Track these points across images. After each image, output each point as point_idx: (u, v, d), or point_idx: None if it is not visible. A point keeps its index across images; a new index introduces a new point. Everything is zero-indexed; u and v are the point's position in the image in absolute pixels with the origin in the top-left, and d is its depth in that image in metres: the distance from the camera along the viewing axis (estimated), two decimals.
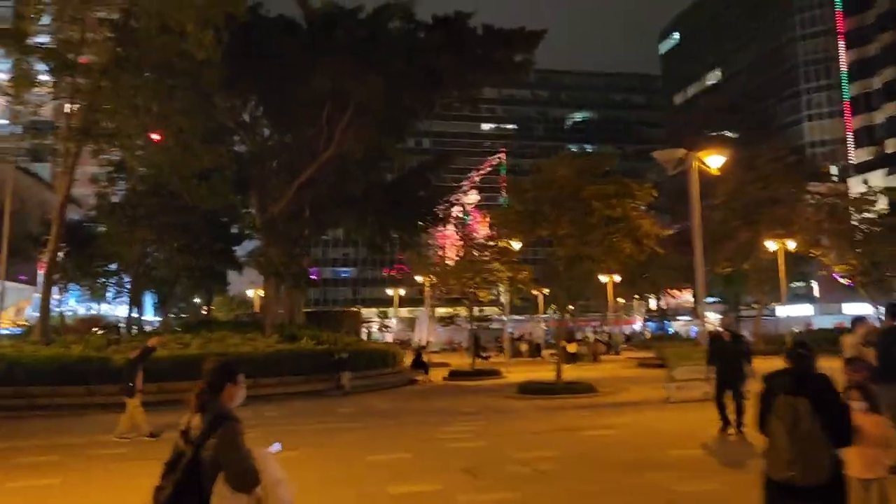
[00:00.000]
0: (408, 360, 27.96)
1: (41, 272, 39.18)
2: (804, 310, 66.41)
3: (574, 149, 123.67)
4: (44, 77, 24.05)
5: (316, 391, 20.57)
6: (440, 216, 38.65)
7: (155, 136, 24.47)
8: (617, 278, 44.04)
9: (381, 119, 29.84)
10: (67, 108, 25.07)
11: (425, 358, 27.40)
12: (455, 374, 26.68)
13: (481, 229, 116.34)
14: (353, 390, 20.91)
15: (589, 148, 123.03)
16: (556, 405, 16.65)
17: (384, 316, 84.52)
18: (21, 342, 21.29)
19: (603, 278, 43.26)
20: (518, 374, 26.52)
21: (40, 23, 24.33)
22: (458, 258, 33.22)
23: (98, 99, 22.26)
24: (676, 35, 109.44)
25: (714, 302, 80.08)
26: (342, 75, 26.87)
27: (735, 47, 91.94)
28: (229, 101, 29.87)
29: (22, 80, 21.51)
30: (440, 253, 56.17)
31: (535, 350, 42.34)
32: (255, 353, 20.12)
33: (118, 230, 23.05)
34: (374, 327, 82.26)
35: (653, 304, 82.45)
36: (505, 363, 35.45)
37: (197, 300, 56.45)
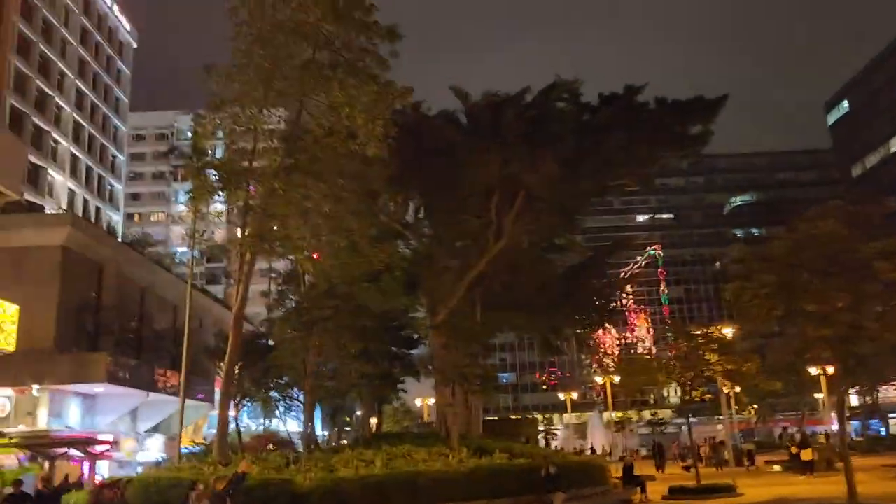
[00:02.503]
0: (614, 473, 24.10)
1: (218, 389, 39.68)
2: None
3: (739, 234, 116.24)
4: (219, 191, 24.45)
5: None
6: (617, 309, 35.27)
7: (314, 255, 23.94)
8: (830, 369, 37.78)
9: (554, 206, 27.74)
10: (236, 211, 25.30)
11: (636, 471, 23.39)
12: (676, 492, 22.35)
13: (640, 326, 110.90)
14: None
15: (756, 232, 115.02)
16: None
17: (549, 423, 79.62)
18: (200, 462, 20.07)
19: (812, 370, 37.26)
20: (756, 489, 22.30)
21: (215, 138, 25.10)
22: (648, 354, 29.58)
23: (270, 204, 21.85)
24: (846, 104, 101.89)
25: None
26: (512, 162, 25.26)
27: None
28: (394, 201, 29.06)
29: (201, 190, 21.47)
30: (607, 351, 52.48)
31: (749, 456, 36.06)
32: (450, 472, 17.63)
33: (292, 338, 21.82)
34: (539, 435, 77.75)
35: (854, 399, 71.83)
36: (720, 474, 30.31)
37: (358, 412, 55.48)
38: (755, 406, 68.38)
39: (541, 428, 77.57)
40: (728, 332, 22.57)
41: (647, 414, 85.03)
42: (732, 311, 16.74)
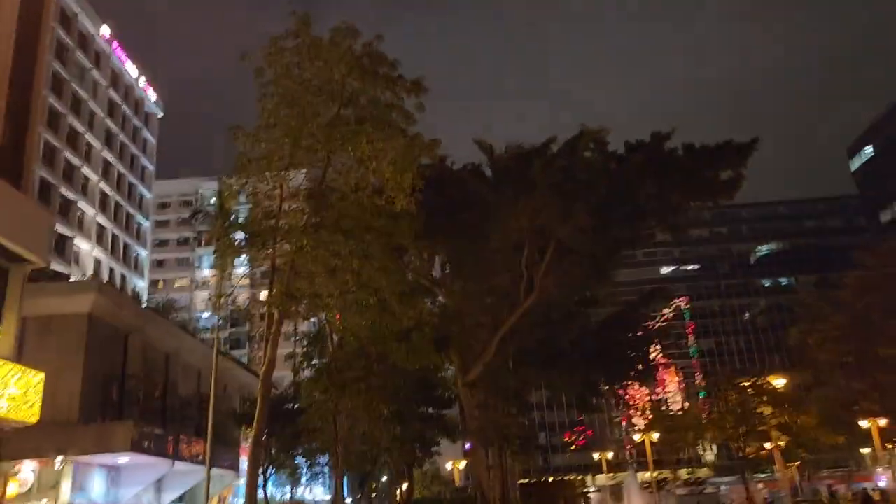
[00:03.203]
0: None
1: (244, 457, 38.51)
2: None
3: (767, 284, 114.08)
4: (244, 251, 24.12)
5: None
6: (651, 363, 34.06)
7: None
8: (882, 422, 35.93)
9: (585, 258, 27.02)
10: (259, 274, 24.85)
11: None
12: None
13: (670, 382, 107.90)
14: None
15: (784, 281, 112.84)
16: None
17: (583, 484, 77.06)
18: None
19: (864, 422, 35.43)
20: None
21: (240, 201, 24.88)
22: (684, 410, 28.21)
23: (297, 262, 21.41)
24: (869, 149, 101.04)
25: None
26: (542, 213, 24.71)
27: None
28: (420, 257, 28.54)
29: (227, 250, 21.08)
30: (642, 406, 50.59)
31: None
32: None
33: (322, 400, 20.98)
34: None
35: None
36: None
37: (384, 478, 53.62)
38: (797, 462, 65.63)
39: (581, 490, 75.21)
40: (779, 382, 21.34)
41: (683, 473, 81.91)
42: (790, 358, 15.66)
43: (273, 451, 25.05)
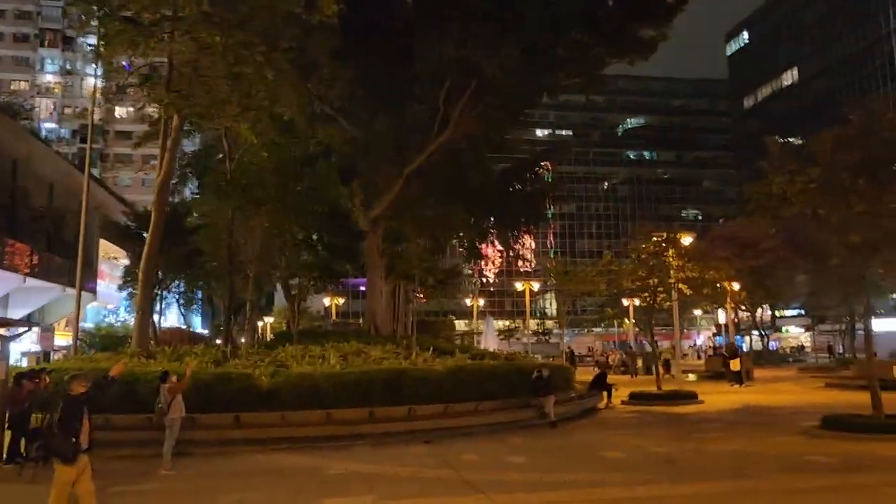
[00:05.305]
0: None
1: (102, 281, 35.72)
2: None
3: (632, 156, 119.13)
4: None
5: (513, 422, 16.36)
6: (545, 215, 34.40)
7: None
8: (736, 286, 39.18)
9: (505, 100, 25.75)
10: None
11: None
12: (639, 398, 22.03)
13: (527, 241, 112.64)
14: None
15: (647, 155, 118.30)
16: None
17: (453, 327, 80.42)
18: (118, 353, 17.46)
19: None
20: (713, 397, 22.67)
21: None
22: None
23: (202, 62, 18.48)
24: (746, 35, 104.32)
25: (798, 315, 74.96)
26: (470, 43, 22.83)
27: (815, 47, 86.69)
28: (329, 80, 25.97)
29: (115, 37, 17.67)
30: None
31: (665, 366, 36.19)
32: (434, 373, 16.08)
33: (228, 218, 18.74)
34: None
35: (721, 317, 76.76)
36: (635, 382, 30.77)
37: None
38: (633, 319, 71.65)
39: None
40: (687, 240, 21.99)
41: (532, 323, 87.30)
42: (748, 209, 15.65)
43: (160, 275, 22.84)
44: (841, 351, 54.28)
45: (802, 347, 73.57)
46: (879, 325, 56.32)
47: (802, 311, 69.23)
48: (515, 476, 10.82)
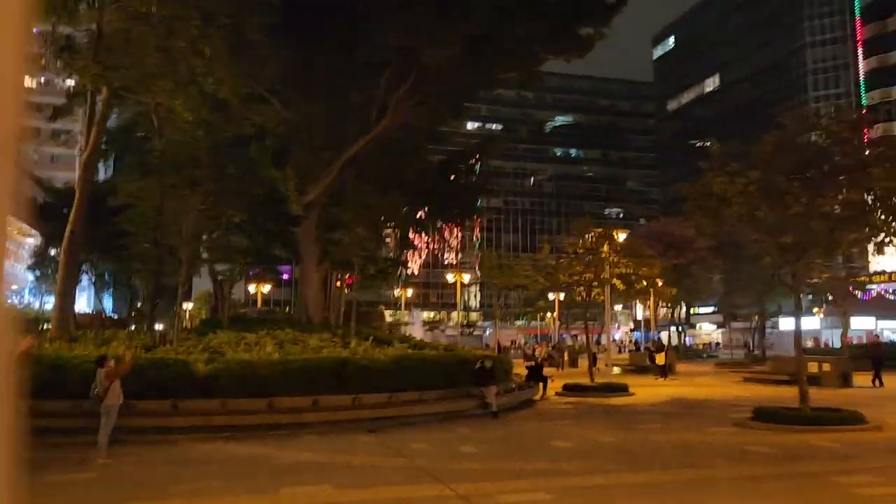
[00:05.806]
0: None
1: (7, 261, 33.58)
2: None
3: (558, 153, 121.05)
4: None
5: (456, 411, 16.27)
6: (479, 207, 34.53)
7: None
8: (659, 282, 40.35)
9: (445, 91, 25.55)
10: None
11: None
12: (572, 389, 22.35)
13: (455, 232, 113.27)
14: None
15: (573, 153, 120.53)
16: (852, 441, 12.67)
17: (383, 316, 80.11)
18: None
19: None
20: (643, 390, 23.24)
21: None
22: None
23: (134, 33, 17.52)
24: (671, 40, 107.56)
25: (712, 313, 78.22)
26: (416, 31, 22.49)
27: (736, 55, 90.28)
28: (268, 56, 25.13)
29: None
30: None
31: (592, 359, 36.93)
32: (378, 362, 15.78)
33: (168, 196, 17.75)
34: None
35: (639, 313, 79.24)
36: (563, 374, 31.20)
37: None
38: (555, 314, 73.07)
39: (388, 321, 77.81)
40: (621, 237, 22.44)
41: (455, 316, 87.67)
42: (689, 210, 15.93)
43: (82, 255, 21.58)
44: (751, 347, 56.99)
45: (717, 344, 76.83)
46: (787, 323, 60.02)
47: (716, 309, 72.38)
48: (472, 465, 10.76)
